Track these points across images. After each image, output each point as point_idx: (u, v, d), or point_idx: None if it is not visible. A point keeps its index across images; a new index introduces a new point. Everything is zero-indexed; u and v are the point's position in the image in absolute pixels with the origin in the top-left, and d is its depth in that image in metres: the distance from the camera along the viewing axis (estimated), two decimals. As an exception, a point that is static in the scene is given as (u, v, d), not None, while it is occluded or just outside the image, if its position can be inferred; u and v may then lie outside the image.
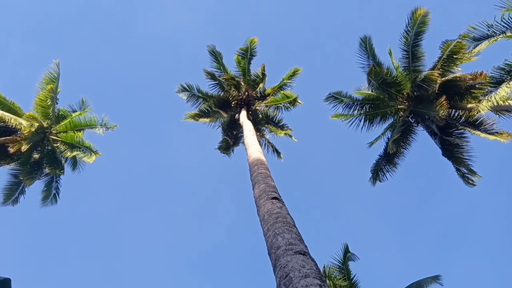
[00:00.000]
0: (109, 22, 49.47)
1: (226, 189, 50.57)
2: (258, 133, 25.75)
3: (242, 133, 21.60)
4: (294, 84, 26.07)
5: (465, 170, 21.43)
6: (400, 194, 47.69)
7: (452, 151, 21.40)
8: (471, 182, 21.43)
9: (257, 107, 25.16)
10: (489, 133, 20.31)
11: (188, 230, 47.13)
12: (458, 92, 20.63)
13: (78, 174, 24.85)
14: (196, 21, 49.82)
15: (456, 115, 21.51)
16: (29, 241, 42.68)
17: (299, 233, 8.47)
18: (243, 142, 19.69)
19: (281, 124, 26.14)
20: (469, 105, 20.32)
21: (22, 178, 22.12)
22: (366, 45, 22.67)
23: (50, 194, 23.60)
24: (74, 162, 24.47)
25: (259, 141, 25.77)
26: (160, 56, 50.81)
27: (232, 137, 25.50)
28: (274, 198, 10.41)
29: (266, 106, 25.71)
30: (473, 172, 21.25)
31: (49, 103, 22.12)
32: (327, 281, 19.34)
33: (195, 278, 44.75)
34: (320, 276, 6.27)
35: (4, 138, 21.48)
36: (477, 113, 19.94)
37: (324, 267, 19.63)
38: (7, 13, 44.08)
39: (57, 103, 23.56)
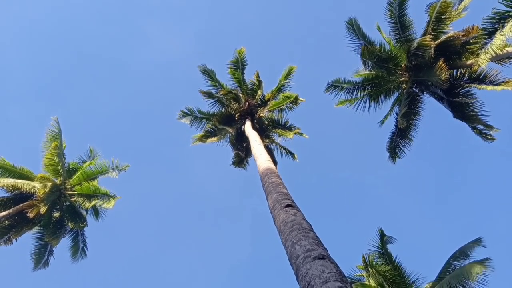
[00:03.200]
0: (101, 67, 49.89)
1: (252, 200, 50.52)
2: (268, 140, 25.58)
3: (251, 144, 21.44)
4: (292, 83, 25.81)
5: (481, 127, 20.96)
6: (424, 165, 47.19)
7: (463, 111, 20.96)
8: (489, 137, 20.97)
9: (261, 114, 24.94)
10: (496, 84, 19.93)
11: (222, 245, 47.05)
12: (455, 51, 20.30)
13: (103, 221, 24.83)
14: (183, 46, 50.09)
15: (458, 74, 21.15)
16: None
17: (316, 236, 8.34)
18: (254, 153, 19.53)
19: (288, 125, 25.82)
20: (469, 62, 19.97)
21: (47, 240, 22.17)
22: (354, 27, 22.39)
23: (78, 248, 23.58)
24: (96, 212, 24.38)
25: (269, 148, 25.76)
26: (157, 87, 50.98)
27: (243, 149, 25.31)
28: (288, 205, 10.26)
29: (269, 111, 25.46)
30: (489, 127, 20.77)
31: (57, 160, 22.23)
32: (370, 269, 19.05)
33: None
34: (341, 278, 6.21)
35: (21, 205, 21.63)
36: (478, 67, 19.63)
37: (363, 257, 19.31)
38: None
39: (65, 158, 23.69)
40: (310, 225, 9.06)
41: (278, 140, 26.27)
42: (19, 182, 21.34)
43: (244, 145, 24.93)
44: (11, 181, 21.49)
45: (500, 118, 22.38)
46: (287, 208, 10.12)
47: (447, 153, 46.06)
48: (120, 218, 42.66)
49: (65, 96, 48.30)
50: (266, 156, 16.18)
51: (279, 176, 13.52)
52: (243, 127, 23.91)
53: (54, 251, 23.25)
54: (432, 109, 31.49)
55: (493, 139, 20.97)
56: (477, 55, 19.03)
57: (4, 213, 20.98)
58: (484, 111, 20.77)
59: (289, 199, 10.90)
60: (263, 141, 22.44)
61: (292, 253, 7.82)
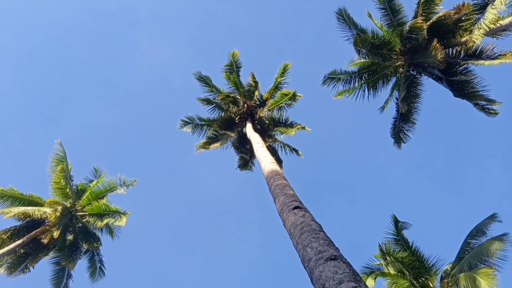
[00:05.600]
0: (97, 83, 49.94)
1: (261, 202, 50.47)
2: (270, 139, 25.54)
3: (254, 147, 21.39)
4: (288, 80, 25.70)
5: (483, 103, 20.77)
6: (431, 146, 46.98)
7: (463, 89, 20.80)
8: (492, 112, 20.76)
9: (261, 115, 24.83)
10: (493, 58, 19.78)
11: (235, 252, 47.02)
12: (448, 30, 20.17)
13: (117, 239, 24.78)
14: (176, 54, 50.05)
15: (454, 52, 21.01)
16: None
17: (327, 236, 8.35)
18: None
19: (289, 122, 25.74)
20: (463, 39, 19.88)
21: (64, 264, 22.19)
22: (344, 17, 22.23)
23: (96, 268, 23.54)
24: (110, 231, 24.34)
25: (273, 147, 25.73)
26: (154, 99, 50.94)
27: (247, 152, 25.31)
28: (296, 207, 10.25)
29: (269, 110, 25.35)
30: (491, 101, 20.55)
31: (64, 183, 22.24)
32: (387, 257, 19.03)
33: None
34: (355, 277, 6.24)
35: (34, 231, 21.66)
36: (473, 43, 19.49)
37: (379, 245, 19.30)
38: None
39: (72, 180, 23.72)
40: (320, 225, 9.07)
41: (280, 138, 26.28)
42: (29, 209, 21.40)
43: (248, 147, 24.87)
44: (21, 209, 21.53)
45: (502, 91, 22.19)
46: (295, 210, 10.12)
47: (453, 132, 45.87)
48: (132, 232, 42.75)
49: (64, 117, 48.34)
50: (270, 158, 16.15)
51: (284, 178, 13.51)
52: (244, 129, 23.87)
53: (72, 274, 23.27)
54: (432, 90, 31.37)
55: (497, 113, 20.76)
56: (471, 31, 18.95)
57: (18, 241, 21.03)
58: (485, 86, 20.59)
59: (296, 201, 10.89)
60: (265, 141, 22.46)
61: (304, 256, 7.84)
